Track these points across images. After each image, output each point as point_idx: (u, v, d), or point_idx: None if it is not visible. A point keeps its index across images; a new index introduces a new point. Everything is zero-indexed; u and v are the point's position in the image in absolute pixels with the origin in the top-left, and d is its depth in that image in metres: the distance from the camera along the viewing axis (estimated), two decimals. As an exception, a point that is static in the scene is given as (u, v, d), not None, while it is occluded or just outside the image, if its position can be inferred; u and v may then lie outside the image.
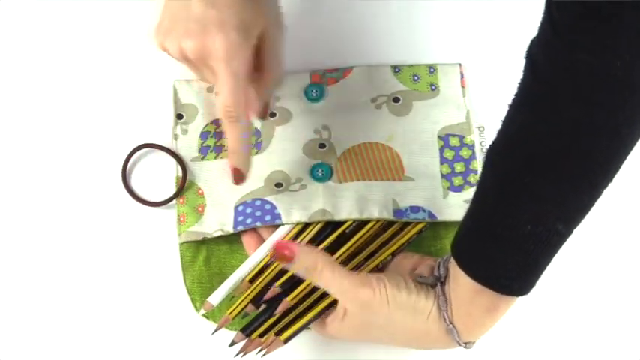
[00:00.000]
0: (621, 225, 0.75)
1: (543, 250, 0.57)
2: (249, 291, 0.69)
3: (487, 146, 0.59)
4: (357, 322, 0.64)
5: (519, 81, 0.57)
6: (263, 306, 0.68)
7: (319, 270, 0.63)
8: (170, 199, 0.75)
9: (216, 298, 0.69)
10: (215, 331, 0.68)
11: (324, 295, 0.67)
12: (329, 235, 0.71)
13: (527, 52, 0.56)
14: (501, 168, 0.57)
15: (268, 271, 0.69)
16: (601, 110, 0.52)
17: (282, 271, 0.68)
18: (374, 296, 0.62)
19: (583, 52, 0.51)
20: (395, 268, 0.69)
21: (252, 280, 0.69)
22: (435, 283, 0.64)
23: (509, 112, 0.58)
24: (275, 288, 0.67)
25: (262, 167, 0.75)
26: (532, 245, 0.57)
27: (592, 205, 0.57)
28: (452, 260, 0.63)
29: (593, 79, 0.52)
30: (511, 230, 0.57)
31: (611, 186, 0.57)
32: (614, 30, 0.50)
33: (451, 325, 0.62)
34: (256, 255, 0.70)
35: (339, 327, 0.65)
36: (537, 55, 0.55)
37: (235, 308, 0.68)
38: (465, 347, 0.63)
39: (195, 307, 0.72)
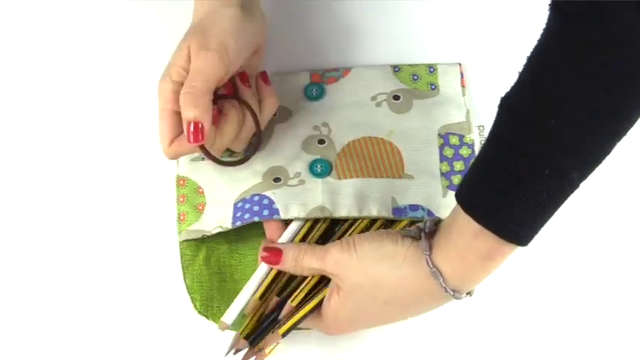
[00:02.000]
0: (614, 207, 0.75)
1: (555, 198, 0.56)
2: (256, 310, 0.68)
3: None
4: (346, 295, 0.64)
5: (542, 30, 0.55)
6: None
7: (302, 255, 0.66)
8: (242, 161, 0.74)
9: (230, 317, 0.68)
10: (228, 352, 0.67)
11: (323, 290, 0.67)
12: (332, 235, 0.71)
13: (551, 1, 0.54)
14: (522, 111, 0.55)
15: (274, 286, 0.69)
16: (634, 55, 0.51)
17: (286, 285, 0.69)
18: (342, 249, 0.64)
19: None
20: None
21: (262, 297, 0.69)
22: (419, 234, 0.63)
23: (530, 58, 0.56)
24: (289, 305, 0.68)
25: (261, 164, 0.75)
26: (545, 192, 0.55)
27: (605, 157, 0.55)
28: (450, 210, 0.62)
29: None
30: (527, 174, 0.55)
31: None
32: None
33: (435, 269, 0.61)
34: (263, 267, 0.69)
35: (334, 307, 0.65)
36: (565, 2, 0.53)
37: (246, 327, 0.68)
38: (453, 296, 0.61)
39: (195, 306, 0.72)
